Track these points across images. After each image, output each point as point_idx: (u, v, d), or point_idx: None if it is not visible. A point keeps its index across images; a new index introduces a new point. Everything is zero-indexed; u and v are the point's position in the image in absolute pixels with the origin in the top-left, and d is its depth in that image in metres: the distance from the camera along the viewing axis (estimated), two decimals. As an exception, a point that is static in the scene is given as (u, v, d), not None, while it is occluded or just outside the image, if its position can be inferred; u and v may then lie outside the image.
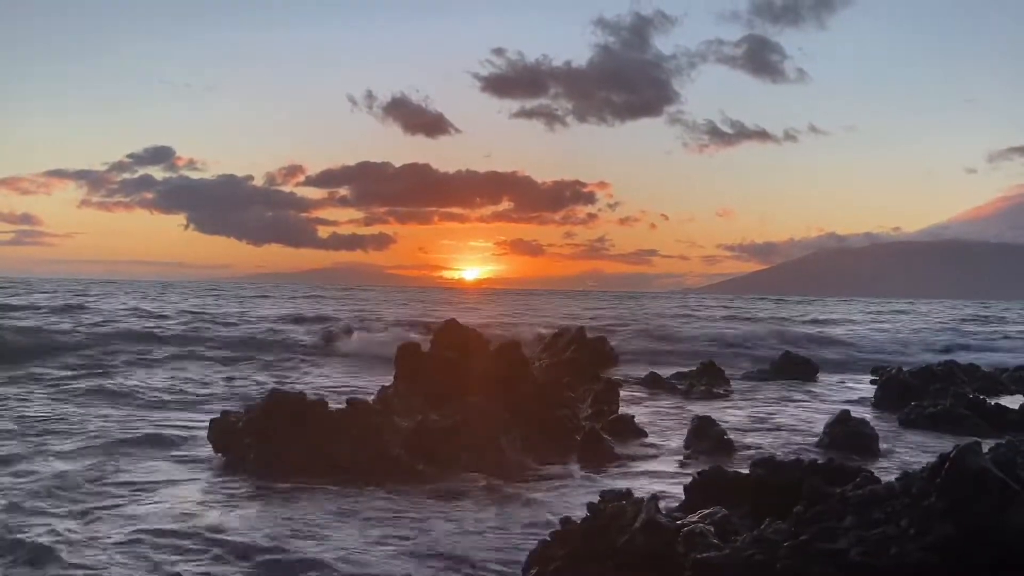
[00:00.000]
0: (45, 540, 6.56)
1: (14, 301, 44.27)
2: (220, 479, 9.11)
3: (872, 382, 19.20)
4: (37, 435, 10.75)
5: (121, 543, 6.61)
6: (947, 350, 29.98)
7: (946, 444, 9.76)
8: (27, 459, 9.42)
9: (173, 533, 6.93)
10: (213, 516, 7.47)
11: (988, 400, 14.96)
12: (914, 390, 16.11)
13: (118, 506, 7.68)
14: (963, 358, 22.69)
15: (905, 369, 18.36)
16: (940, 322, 49.69)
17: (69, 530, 6.87)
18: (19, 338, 23.14)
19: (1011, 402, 15.41)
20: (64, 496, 7.95)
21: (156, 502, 7.94)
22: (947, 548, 4.37)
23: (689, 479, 6.68)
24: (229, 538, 6.84)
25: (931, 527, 4.46)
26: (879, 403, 16.35)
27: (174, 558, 6.34)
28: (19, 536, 6.60)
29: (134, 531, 6.96)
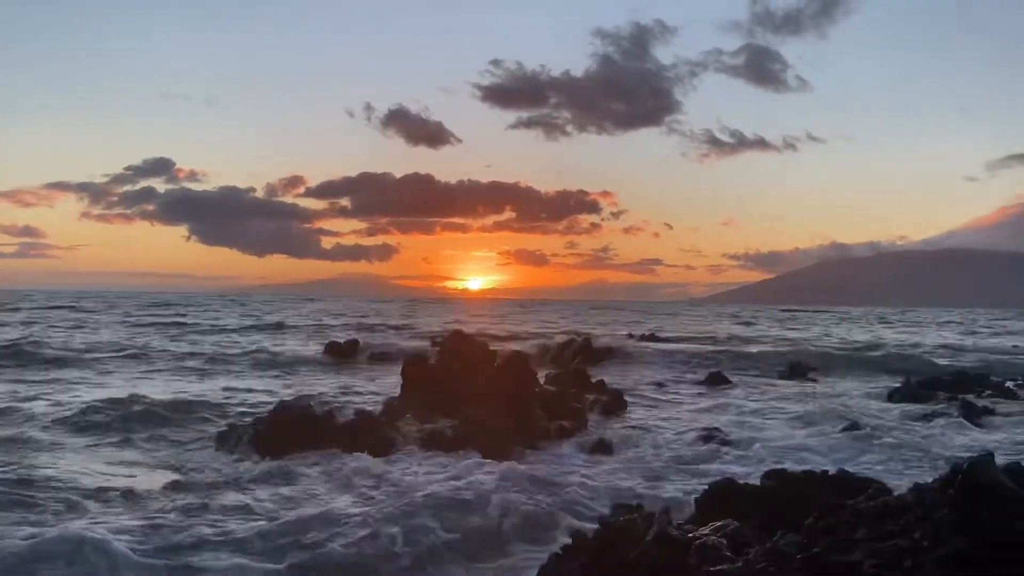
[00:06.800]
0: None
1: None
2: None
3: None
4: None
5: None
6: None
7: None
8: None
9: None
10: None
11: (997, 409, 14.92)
12: (924, 400, 16.07)
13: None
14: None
15: (914, 380, 18.34)
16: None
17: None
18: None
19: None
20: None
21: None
22: (961, 561, 4.34)
23: (699, 490, 6.66)
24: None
25: (944, 540, 4.43)
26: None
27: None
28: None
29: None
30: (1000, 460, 4.72)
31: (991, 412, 14.66)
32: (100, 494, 8.29)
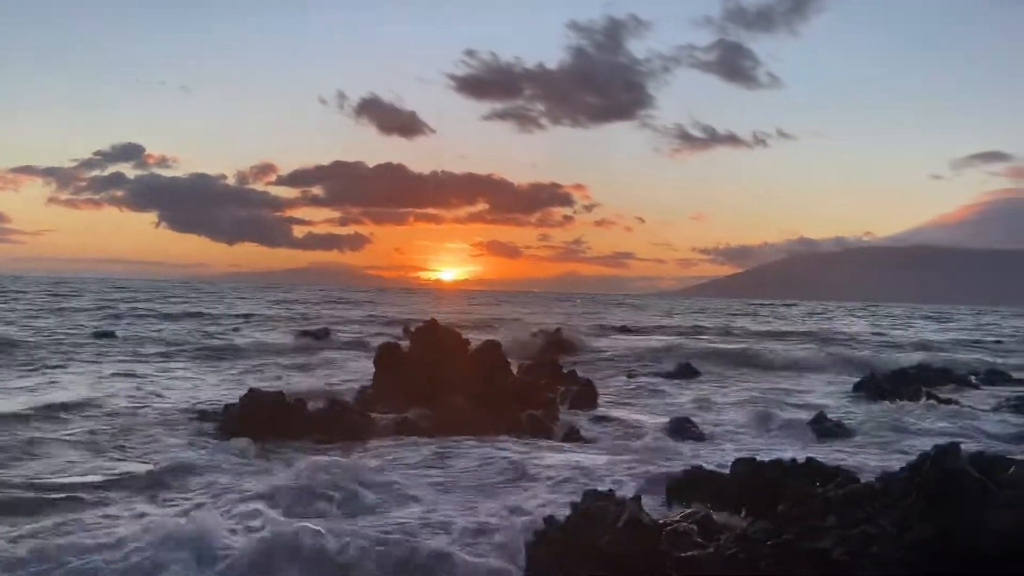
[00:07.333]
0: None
1: None
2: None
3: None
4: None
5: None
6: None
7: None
8: None
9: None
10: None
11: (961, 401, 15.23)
12: (888, 393, 16.32)
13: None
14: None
15: (879, 373, 18.62)
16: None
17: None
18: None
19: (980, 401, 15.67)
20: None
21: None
22: (927, 548, 4.42)
23: (670, 478, 6.72)
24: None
25: (911, 527, 4.52)
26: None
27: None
28: None
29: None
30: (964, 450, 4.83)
31: (955, 404, 14.94)
32: (81, 491, 8.11)
